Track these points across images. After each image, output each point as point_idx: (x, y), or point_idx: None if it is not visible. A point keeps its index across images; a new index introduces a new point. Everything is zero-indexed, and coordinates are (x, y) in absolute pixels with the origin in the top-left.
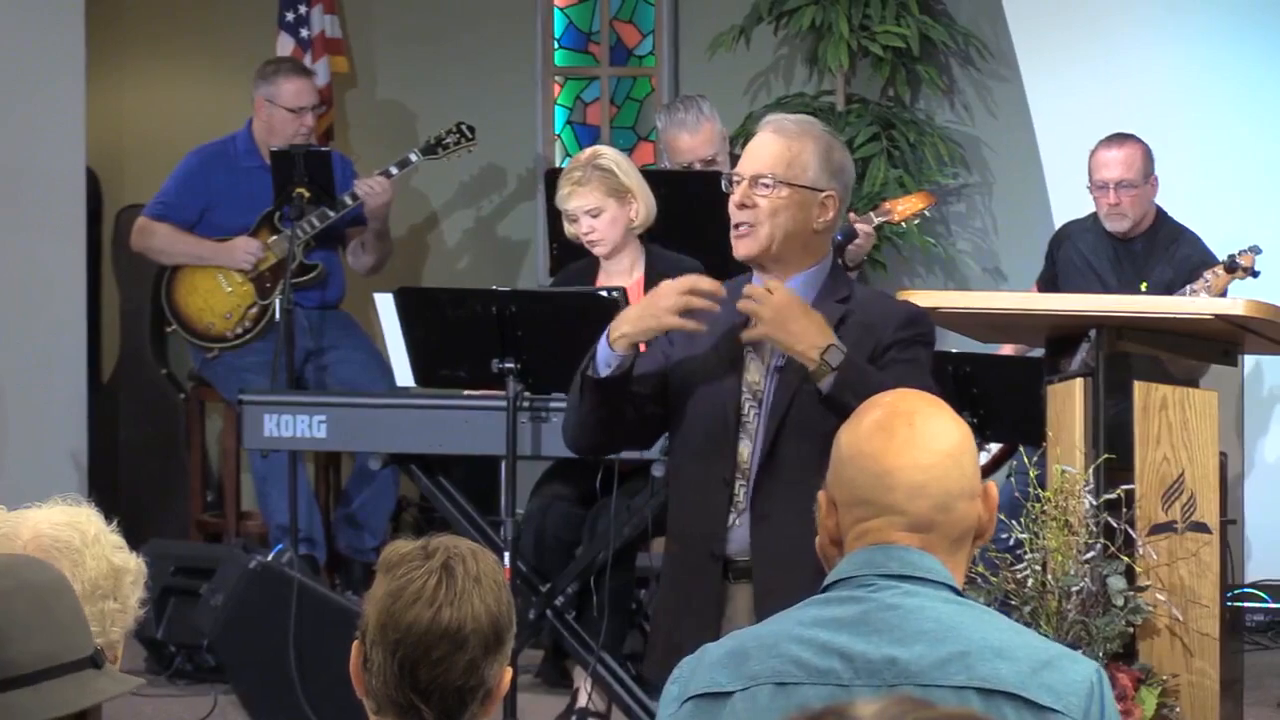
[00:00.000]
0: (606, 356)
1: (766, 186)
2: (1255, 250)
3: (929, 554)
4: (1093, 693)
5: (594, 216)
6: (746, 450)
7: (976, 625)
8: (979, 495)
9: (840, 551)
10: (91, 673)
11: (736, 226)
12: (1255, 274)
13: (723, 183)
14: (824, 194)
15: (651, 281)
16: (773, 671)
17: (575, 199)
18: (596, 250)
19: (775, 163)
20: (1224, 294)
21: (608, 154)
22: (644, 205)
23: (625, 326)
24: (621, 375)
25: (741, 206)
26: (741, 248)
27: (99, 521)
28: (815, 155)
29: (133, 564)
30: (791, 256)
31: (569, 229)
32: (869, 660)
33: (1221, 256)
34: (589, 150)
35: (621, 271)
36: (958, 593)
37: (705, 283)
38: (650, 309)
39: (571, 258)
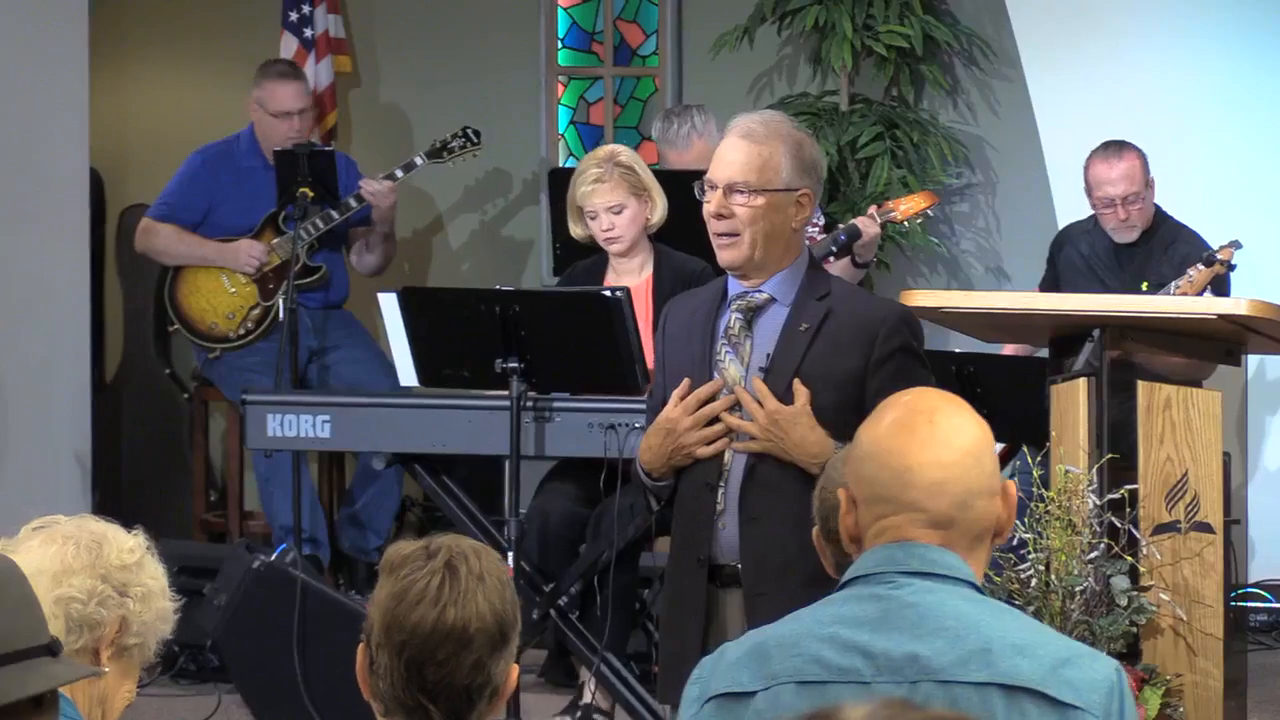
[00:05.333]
0: (655, 488)
1: (741, 194)
2: (1235, 245)
3: (949, 551)
4: (1113, 691)
5: (616, 213)
6: (728, 453)
7: (997, 622)
8: (999, 493)
9: (859, 548)
10: (45, 660)
11: (718, 235)
12: (1231, 267)
13: (695, 189)
14: (799, 193)
15: (660, 282)
16: (794, 670)
17: (599, 195)
18: (613, 248)
19: (748, 170)
20: (1203, 291)
21: (625, 153)
22: (660, 205)
23: (658, 464)
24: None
25: (719, 216)
26: (726, 256)
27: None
28: (786, 156)
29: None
30: (772, 259)
31: (580, 230)
32: (891, 658)
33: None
34: (606, 148)
35: (631, 271)
36: (978, 590)
37: (704, 390)
38: (676, 448)
39: (575, 258)
